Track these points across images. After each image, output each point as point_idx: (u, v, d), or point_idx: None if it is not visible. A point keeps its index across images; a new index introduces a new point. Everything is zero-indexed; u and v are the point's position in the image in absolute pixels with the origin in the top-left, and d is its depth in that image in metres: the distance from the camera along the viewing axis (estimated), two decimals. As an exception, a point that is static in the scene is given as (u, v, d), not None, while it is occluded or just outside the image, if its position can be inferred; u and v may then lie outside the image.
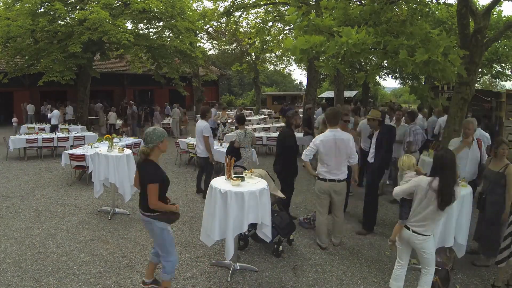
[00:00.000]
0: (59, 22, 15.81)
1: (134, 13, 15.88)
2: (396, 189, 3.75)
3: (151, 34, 18.01)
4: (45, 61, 15.25)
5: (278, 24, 20.25)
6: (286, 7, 16.77)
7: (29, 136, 11.48)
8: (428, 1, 7.63)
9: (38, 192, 7.70)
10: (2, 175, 9.19)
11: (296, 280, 4.24)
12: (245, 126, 7.35)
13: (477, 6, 11.82)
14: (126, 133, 14.43)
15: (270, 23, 19.85)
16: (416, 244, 3.57)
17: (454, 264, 4.57)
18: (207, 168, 7.41)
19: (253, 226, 4.44)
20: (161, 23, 17.72)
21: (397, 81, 30.84)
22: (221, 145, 9.63)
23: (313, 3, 12.00)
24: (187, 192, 7.89)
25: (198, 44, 21.05)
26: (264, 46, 21.58)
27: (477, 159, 5.40)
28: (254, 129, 13.67)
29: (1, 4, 17.22)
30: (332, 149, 4.83)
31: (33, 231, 5.54)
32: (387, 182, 7.98)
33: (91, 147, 8.93)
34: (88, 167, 8.14)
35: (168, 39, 17.83)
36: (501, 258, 4.02)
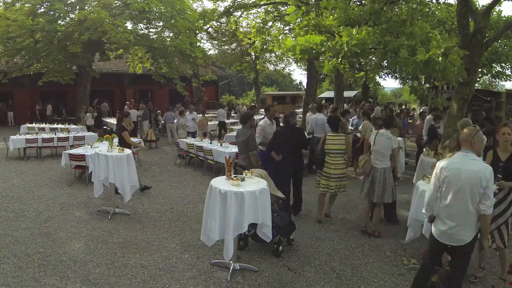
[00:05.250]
0: (59, 22, 15.83)
1: (134, 13, 15.89)
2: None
3: (151, 34, 18.02)
4: (45, 61, 15.25)
5: (278, 24, 20.28)
6: (286, 7, 16.78)
7: (29, 136, 11.46)
8: (428, 1, 7.65)
9: (38, 192, 7.69)
10: (2, 175, 9.19)
11: (296, 280, 4.24)
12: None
13: (477, 6, 11.82)
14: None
15: (270, 23, 19.86)
16: None
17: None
18: None
19: (253, 226, 4.44)
20: (161, 23, 17.73)
21: (397, 81, 30.92)
22: (221, 145, 9.61)
23: (312, 2, 11.99)
24: (187, 192, 7.89)
25: (198, 44, 21.04)
26: (264, 46, 21.57)
27: None
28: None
29: (1, 4, 17.23)
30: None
31: (33, 231, 5.54)
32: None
33: (91, 147, 8.92)
34: (88, 167, 8.13)
35: (168, 39, 17.84)
36: None
